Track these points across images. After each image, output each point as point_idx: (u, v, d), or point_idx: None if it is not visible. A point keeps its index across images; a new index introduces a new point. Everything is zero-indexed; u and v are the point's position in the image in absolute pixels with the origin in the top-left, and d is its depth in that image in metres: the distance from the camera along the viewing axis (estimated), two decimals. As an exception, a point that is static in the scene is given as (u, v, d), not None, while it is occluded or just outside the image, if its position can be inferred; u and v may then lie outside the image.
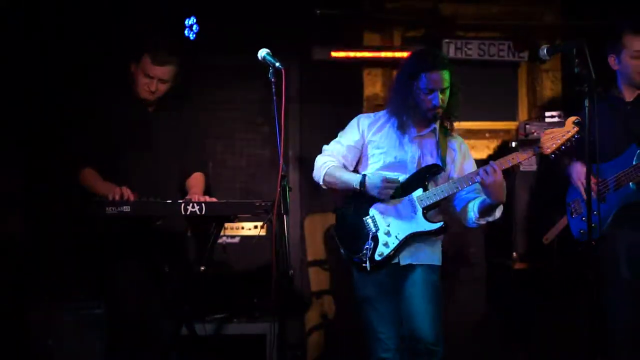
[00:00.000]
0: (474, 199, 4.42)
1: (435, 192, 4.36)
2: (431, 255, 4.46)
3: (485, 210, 4.35)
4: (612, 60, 4.50)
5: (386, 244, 4.36)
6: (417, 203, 4.37)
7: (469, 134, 6.41)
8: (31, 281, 5.64)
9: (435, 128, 4.50)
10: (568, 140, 4.20)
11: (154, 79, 4.65)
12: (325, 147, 4.61)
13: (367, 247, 4.35)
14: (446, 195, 4.35)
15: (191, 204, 4.24)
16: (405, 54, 6.30)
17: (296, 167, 6.35)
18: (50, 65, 5.95)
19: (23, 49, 5.88)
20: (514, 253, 5.75)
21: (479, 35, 6.48)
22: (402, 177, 4.39)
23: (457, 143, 4.61)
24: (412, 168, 4.45)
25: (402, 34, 6.63)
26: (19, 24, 5.80)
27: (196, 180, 4.88)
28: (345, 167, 4.54)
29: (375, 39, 6.53)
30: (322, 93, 6.20)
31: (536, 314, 6.28)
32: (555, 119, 5.91)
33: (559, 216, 4.84)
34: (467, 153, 4.62)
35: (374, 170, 4.46)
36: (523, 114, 6.70)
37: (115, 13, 5.85)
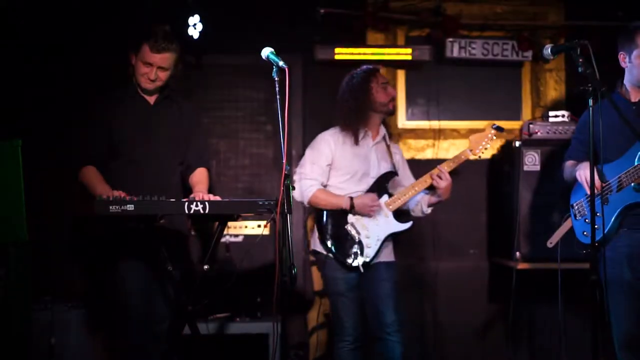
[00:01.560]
0: (423, 196, 5.14)
1: (399, 196, 5.08)
2: (390, 253, 5.17)
3: (433, 204, 5.14)
4: (622, 57, 4.48)
5: (370, 247, 5.01)
6: (386, 208, 5.08)
7: (472, 134, 6.39)
8: (34, 280, 5.64)
9: (385, 135, 5.22)
10: (491, 142, 5.17)
11: (154, 66, 4.63)
12: (301, 171, 5.11)
13: (354, 252, 4.98)
14: (408, 199, 5.09)
15: (194, 203, 4.23)
16: (409, 53, 6.32)
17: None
18: (48, 61, 5.95)
19: (21, 45, 5.89)
20: (517, 253, 5.74)
21: (482, 34, 6.48)
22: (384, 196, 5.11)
23: (396, 147, 5.41)
24: (375, 175, 5.12)
25: (406, 33, 6.64)
26: (16, 21, 5.81)
27: (200, 177, 4.86)
28: (323, 184, 5.10)
29: (379, 39, 6.53)
30: (325, 92, 6.19)
31: (539, 315, 6.28)
32: (560, 119, 5.90)
33: (563, 218, 4.83)
34: (403, 156, 5.40)
35: (342, 181, 5.08)
36: (527, 113, 6.70)
37: (115, 11, 5.86)
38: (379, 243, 5.02)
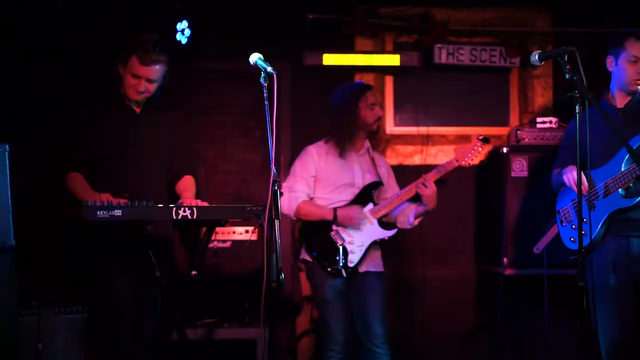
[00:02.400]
0: (408, 205, 5.17)
1: (385, 205, 5.13)
2: (379, 263, 5.22)
3: (420, 215, 5.15)
4: (609, 61, 4.50)
5: (354, 253, 5.06)
6: (371, 216, 5.12)
7: (460, 140, 6.42)
8: (21, 285, 5.61)
9: (369, 147, 5.29)
10: (477, 154, 5.15)
11: (142, 79, 4.61)
12: (287, 184, 5.20)
13: (339, 258, 5.02)
14: (394, 206, 5.13)
15: (182, 209, 4.22)
16: (397, 59, 6.32)
17: (287, 172, 6.33)
18: (35, 68, 5.93)
19: (8, 51, 5.87)
20: (504, 260, 5.76)
21: (471, 40, 6.49)
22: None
23: (381, 158, 5.46)
24: (360, 185, 5.18)
25: (394, 39, 6.64)
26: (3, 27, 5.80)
27: (187, 184, 4.85)
28: (309, 196, 5.18)
29: (368, 45, 6.54)
30: (314, 98, 6.20)
31: (526, 321, 6.29)
32: (547, 125, 5.92)
33: (549, 225, 4.85)
34: (389, 167, 5.44)
35: (327, 192, 5.16)
36: (514, 119, 6.72)
37: (103, 15, 5.84)
38: (363, 249, 5.07)
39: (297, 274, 6.23)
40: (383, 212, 5.13)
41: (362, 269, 5.09)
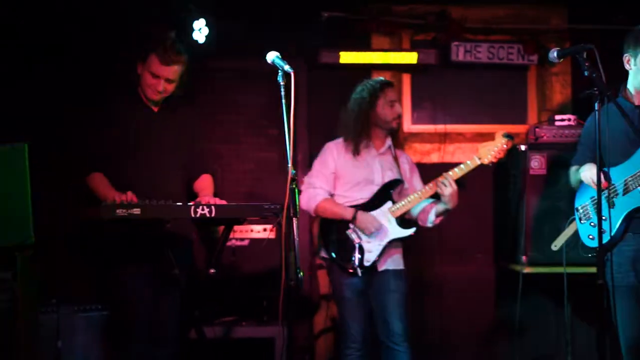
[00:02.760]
0: (429, 203, 5.14)
1: (404, 203, 5.08)
2: (399, 260, 5.17)
3: (441, 213, 5.12)
4: (627, 60, 4.46)
5: (370, 252, 5.03)
6: (389, 214, 5.08)
7: (478, 137, 6.40)
8: (41, 283, 5.65)
9: (390, 145, 5.25)
10: (503, 152, 5.04)
11: (161, 78, 4.63)
12: (308, 180, 5.21)
13: (354, 257, 4.99)
14: (413, 205, 5.10)
15: (201, 207, 4.24)
16: (414, 57, 6.31)
17: (304, 170, 6.34)
18: (54, 68, 5.96)
19: (27, 52, 5.90)
20: (523, 258, 5.74)
21: (488, 38, 6.47)
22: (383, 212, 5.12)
23: (405, 156, 5.39)
24: (379, 183, 5.14)
25: (411, 37, 6.63)
26: (21, 27, 5.82)
27: (205, 183, 4.87)
28: (329, 193, 5.16)
29: (384, 42, 6.54)
30: (330, 96, 6.20)
31: (545, 319, 6.27)
32: (566, 122, 5.90)
33: (567, 222, 4.84)
34: (413, 165, 5.38)
35: (346, 189, 5.14)
36: (532, 117, 6.70)
37: (122, 13, 5.86)
38: (380, 248, 5.03)
39: (315, 272, 6.24)
40: (401, 211, 5.09)
41: (381, 267, 5.07)
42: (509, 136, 5.07)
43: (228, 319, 5.77)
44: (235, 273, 5.85)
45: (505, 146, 5.04)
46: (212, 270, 4.54)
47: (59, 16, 5.87)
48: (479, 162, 5.03)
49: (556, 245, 5.18)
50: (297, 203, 3.87)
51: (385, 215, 5.08)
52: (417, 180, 5.32)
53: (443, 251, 6.47)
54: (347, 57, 6.28)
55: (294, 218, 3.83)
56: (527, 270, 5.73)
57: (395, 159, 5.25)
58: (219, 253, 4.62)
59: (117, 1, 5.89)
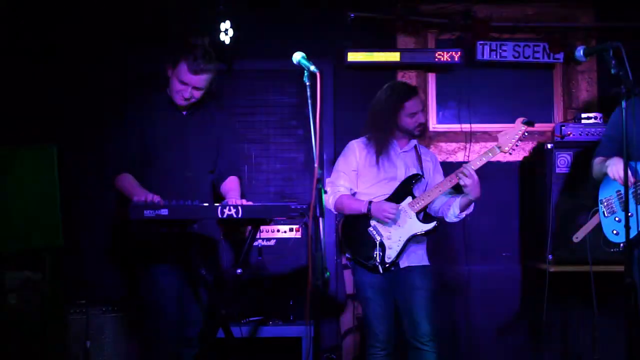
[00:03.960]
0: (453, 197, 5.03)
1: (423, 197, 5.01)
2: (423, 256, 5.13)
3: (464, 206, 4.98)
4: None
5: (391, 248, 4.97)
6: (409, 209, 5.01)
7: (503, 135, 6.38)
8: (69, 284, 5.70)
9: (415, 145, 5.22)
10: (520, 138, 4.89)
11: (189, 86, 4.65)
12: (330, 180, 5.20)
13: (376, 254, 4.96)
14: (433, 198, 5.01)
15: (228, 207, 4.26)
16: (440, 55, 6.31)
17: (331, 170, 6.35)
18: (85, 69, 6.01)
19: (60, 53, 5.95)
20: (550, 256, 5.72)
21: (513, 37, 6.45)
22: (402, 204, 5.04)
23: (429, 153, 5.36)
24: (400, 179, 5.09)
25: (436, 36, 6.63)
26: (56, 29, 5.87)
27: (232, 185, 4.89)
28: (351, 190, 5.14)
29: (409, 42, 6.53)
30: (356, 96, 6.22)
31: (572, 318, 6.24)
32: (592, 121, 5.88)
33: (590, 214, 4.80)
34: (437, 163, 5.34)
35: (367, 187, 5.11)
36: (558, 115, 6.67)
37: (157, 16, 5.90)
38: (400, 244, 4.97)
39: (341, 271, 6.25)
40: (421, 204, 5.00)
41: (403, 264, 5.03)
42: (528, 122, 4.91)
43: (255, 319, 5.79)
44: (262, 273, 5.86)
45: (525, 134, 4.91)
46: (239, 270, 4.56)
47: (99, 20, 5.93)
48: (499, 151, 4.92)
49: (577, 237, 5.13)
50: (324, 203, 3.87)
51: (404, 210, 5.02)
52: (440, 177, 5.24)
53: (469, 250, 6.45)
54: (373, 57, 6.28)
55: (320, 218, 3.83)
56: (554, 269, 5.71)
57: (419, 157, 5.21)
58: (245, 253, 4.64)
59: (151, 3, 5.95)
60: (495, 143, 4.96)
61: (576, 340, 6.24)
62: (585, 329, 6.13)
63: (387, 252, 4.96)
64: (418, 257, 5.09)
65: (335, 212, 5.23)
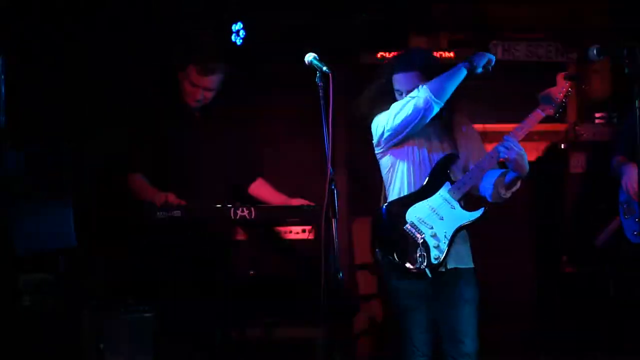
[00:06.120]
0: (496, 172, 4.34)
1: (464, 180, 4.28)
2: (468, 257, 4.42)
3: (511, 184, 4.29)
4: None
5: (437, 247, 4.22)
6: (450, 197, 4.28)
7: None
8: (83, 285, 5.71)
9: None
10: (565, 96, 4.32)
11: (200, 87, 4.66)
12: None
13: (420, 255, 4.19)
14: (475, 181, 4.30)
15: (240, 209, 4.27)
16: (452, 56, 6.31)
17: (343, 171, 6.34)
18: (97, 69, 6.02)
19: (69, 53, 5.96)
20: (564, 256, 5.70)
21: (526, 36, 6.44)
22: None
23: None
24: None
25: (449, 36, 6.62)
26: (60, 29, 5.89)
27: (264, 187, 4.91)
28: None
29: (422, 42, 6.53)
30: (370, 97, 6.22)
31: (587, 319, 6.22)
32: (606, 120, 5.86)
33: (611, 217, 4.79)
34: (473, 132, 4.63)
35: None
36: (572, 115, 6.65)
37: (162, 16, 5.91)
38: (447, 241, 4.23)
39: (354, 272, 6.24)
40: (463, 191, 4.27)
41: (450, 265, 4.31)
42: (571, 77, 4.42)
43: (268, 320, 5.79)
44: (275, 274, 5.86)
45: (569, 90, 4.38)
46: (251, 272, 4.56)
47: (112, 20, 5.94)
48: (543, 115, 4.33)
49: (599, 241, 5.12)
50: (337, 204, 3.86)
51: (444, 198, 4.29)
52: (477, 146, 4.56)
53: (483, 249, 6.42)
54: (386, 57, 6.28)
55: (333, 219, 3.82)
56: (569, 269, 5.69)
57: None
58: (258, 254, 4.64)
59: (161, 3, 5.96)
60: (537, 107, 4.38)
61: (592, 341, 6.21)
62: (602, 329, 6.10)
63: (433, 251, 4.20)
64: (464, 258, 4.39)
65: (389, 134, 4.63)
